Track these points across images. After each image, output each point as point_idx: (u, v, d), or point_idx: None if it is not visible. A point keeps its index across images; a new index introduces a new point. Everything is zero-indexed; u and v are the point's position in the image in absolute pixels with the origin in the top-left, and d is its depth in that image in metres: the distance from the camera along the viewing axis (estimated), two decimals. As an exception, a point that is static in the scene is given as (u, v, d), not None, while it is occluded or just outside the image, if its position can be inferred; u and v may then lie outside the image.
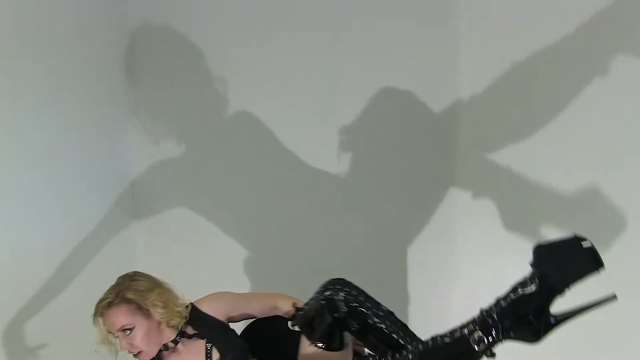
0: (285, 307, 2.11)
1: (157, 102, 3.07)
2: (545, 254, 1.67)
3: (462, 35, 2.48)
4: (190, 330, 2.20)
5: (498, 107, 2.48)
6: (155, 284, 2.20)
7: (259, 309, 2.21)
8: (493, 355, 1.70)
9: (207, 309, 2.23)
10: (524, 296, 1.64)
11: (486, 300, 2.47)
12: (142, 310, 2.10)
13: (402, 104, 2.63)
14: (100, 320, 2.13)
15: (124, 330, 2.08)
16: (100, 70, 2.94)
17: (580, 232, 2.26)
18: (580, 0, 2.30)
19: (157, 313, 2.11)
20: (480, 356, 1.69)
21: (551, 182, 2.37)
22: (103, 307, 2.10)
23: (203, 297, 2.27)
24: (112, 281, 2.17)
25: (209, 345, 2.13)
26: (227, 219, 2.99)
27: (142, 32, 3.05)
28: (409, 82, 2.56)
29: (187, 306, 2.23)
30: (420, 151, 2.49)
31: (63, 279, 2.73)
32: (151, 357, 2.12)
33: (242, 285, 2.72)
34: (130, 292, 2.12)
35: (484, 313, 1.72)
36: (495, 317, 1.67)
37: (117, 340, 2.12)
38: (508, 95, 2.44)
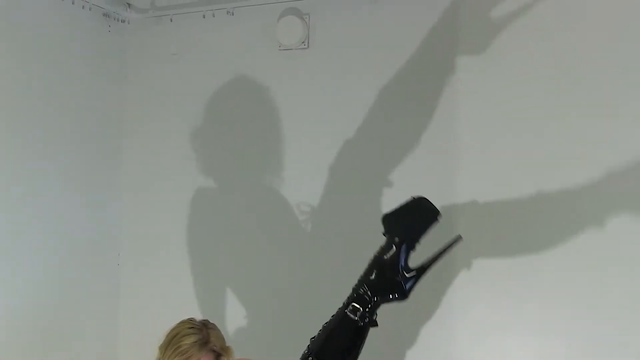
0: None
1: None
2: (391, 221, 1.86)
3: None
4: None
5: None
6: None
7: None
8: (375, 324, 1.83)
9: None
10: (380, 260, 1.81)
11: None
12: None
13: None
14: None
15: None
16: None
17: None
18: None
19: None
20: (364, 326, 1.81)
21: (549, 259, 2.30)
22: (194, 348, 1.88)
23: None
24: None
25: None
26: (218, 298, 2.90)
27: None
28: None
29: None
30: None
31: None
32: None
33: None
34: (215, 337, 1.94)
35: (354, 287, 1.84)
36: (362, 286, 1.81)
37: None
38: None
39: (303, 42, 2.69)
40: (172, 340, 1.93)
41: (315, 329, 1.96)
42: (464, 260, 2.41)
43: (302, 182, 2.72)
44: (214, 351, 1.92)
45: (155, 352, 2.94)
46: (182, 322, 1.98)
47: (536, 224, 2.34)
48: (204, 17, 2.89)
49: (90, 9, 2.87)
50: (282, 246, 2.76)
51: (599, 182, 2.24)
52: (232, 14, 2.83)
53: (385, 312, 2.38)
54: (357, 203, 2.61)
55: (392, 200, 2.44)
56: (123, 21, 3.02)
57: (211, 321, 1.99)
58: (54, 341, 2.74)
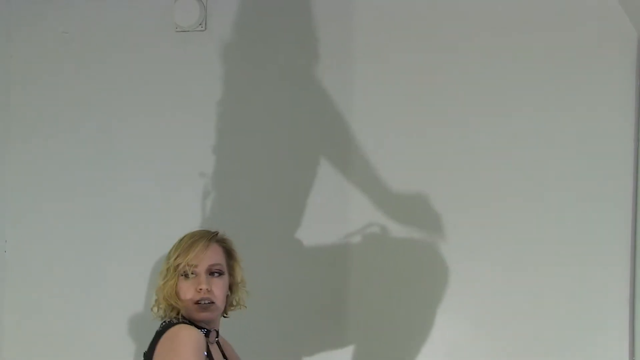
0: None
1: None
2: None
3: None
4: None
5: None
6: None
7: None
8: None
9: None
10: None
11: None
12: (228, 264, 1.87)
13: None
14: (190, 250, 1.78)
15: (213, 272, 1.79)
16: None
17: None
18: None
19: (238, 274, 1.88)
20: None
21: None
22: (207, 239, 1.82)
23: None
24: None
25: None
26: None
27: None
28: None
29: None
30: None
31: None
32: (216, 316, 1.83)
33: None
34: (226, 237, 1.90)
35: None
36: None
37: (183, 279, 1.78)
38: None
39: (200, 24, 2.63)
40: (176, 244, 1.84)
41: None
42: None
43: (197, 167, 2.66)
44: (224, 248, 1.87)
45: (43, 352, 2.85)
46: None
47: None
48: (97, -6, 2.76)
49: (-37, -22, 2.68)
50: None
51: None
52: (128, -8, 2.72)
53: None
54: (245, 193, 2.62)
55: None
56: (5, -7, 2.83)
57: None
58: None
